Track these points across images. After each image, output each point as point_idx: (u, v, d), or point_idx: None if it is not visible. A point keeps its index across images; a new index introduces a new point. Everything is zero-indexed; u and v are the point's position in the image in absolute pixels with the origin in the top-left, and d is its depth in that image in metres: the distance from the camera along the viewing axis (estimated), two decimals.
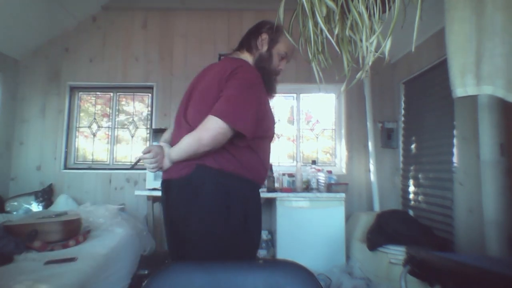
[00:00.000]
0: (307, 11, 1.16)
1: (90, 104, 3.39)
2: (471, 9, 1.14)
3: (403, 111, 3.06)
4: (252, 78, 1.16)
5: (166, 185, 1.21)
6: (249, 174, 1.17)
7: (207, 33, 3.27)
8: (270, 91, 1.28)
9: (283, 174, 2.84)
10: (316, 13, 1.10)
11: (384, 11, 1.13)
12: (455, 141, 2.18)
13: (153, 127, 3.14)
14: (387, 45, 1.10)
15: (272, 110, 1.29)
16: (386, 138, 3.11)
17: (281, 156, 3.32)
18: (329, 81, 1.48)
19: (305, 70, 3.14)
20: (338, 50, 1.23)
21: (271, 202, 2.76)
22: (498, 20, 1.11)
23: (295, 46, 1.30)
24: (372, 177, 3.04)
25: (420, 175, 2.67)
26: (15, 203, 2.84)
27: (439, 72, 2.39)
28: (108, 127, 3.32)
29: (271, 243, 2.74)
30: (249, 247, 1.18)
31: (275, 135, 1.31)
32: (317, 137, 3.35)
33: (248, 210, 1.17)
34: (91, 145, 3.31)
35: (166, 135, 1.35)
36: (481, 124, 1.77)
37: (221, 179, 1.12)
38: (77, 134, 3.28)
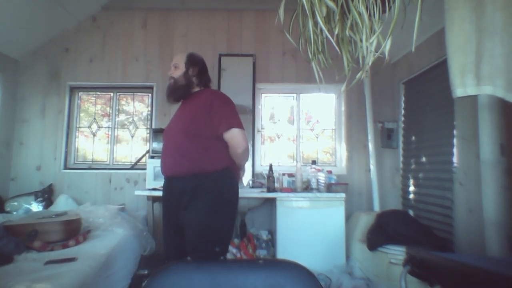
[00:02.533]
0: (307, 11, 1.16)
1: (90, 104, 3.39)
2: (471, 9, 1.14)
3: (403, 111, 3.06)
4: None
5: None
6: None
7: (207, 33, 3.27)
8: (166, 99, 1.74)
9: (283, 174, 2.83)
10: (316, 13, 1.10)
11: (384, 11, 1.13)
12: (455, 141, 2.18)
13: (153, 127, 3.14)
14: (387, 45, 1.10)
15: (177, 116, 1.70)
16: (386, 138, 3.11)
17: (281, 156, 3.32)
18: (329, 81, 1.48)
19: (305, 70, 3.15)
20: (338, 50, 1.23)
21: (271, 202, 2.76)
22: (498, 20, 1.11)
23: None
24: (372, 177, 3.04)
25: (420, 175, 2.67)
26: (15, 203, 2.84)
27: (439, 72, 2.39)
28: (108, 127, 3.32)
29: (271, 243, 2.74)
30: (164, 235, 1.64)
31: (166, 135, 1.69)
32: (317, 137, 3.35)
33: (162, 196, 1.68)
34: (91, 145, 3.31)
35: None
36: (481, 124, 1.76)
37: None
38: (77, 134, 3.28)
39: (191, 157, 1.52)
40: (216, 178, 1.54)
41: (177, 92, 1.68)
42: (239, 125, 1.59)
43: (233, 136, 1.57)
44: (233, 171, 1.63)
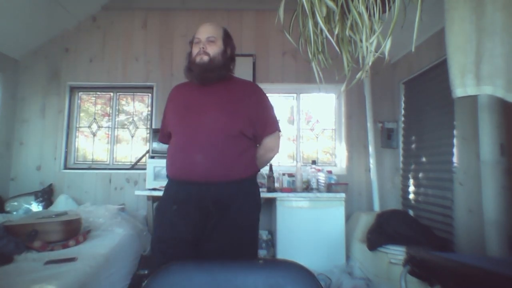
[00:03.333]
0: (307, 11, 1.16)
1: (90, 104, 3.39)
2: (471, 9, 1.14)
3: (403, 111, 3.06)
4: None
5: None
6: (168, 171, 1.36)
7: None
8: (196, 79, 1.35)
9: (283, 174, 2.83)
10: (316, 13, 1.10)
11: (384, 11, 1.13)
12: (455, 141, 2.18)
13: (153, 127, 3.14)
14: (387, 45, 1.10)
15: (206, 107, 1.32)
16: (386, 138, 3.10)
17: (281, 156, 3.32)
18: (329, 81, 1.48)
19: (305, 70, 3.14)
20: (338, 50, 1.23)
21: (271, 202, 2.76)
22: (498, 20, 1.11)
23: (199, 27, 1.39)
24: (372, 177, 3.04)
25: (420, 175, 2.67)
26: (15, 203, 2.84)
27: (439, 72, 2.39)
28: (108, 127, 3.32)
29: (271, 243, 2.74)
30: (157, 245, 1.29)
31: (190, 129, 1.31)
32: (317, 137, 3.35)
33: (167, 205, 1.31)
34: (91, 145, 3.31)
35: None
36: (481, 124, 1.76)
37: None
38: (77, 134, 3.28)
39: (232, 160, 1.27)
40: (253, 185, 1.37)
41: (214, 73, 1.33)
42: (279, 127, 1.45)
43: (274, 139, 1.43)
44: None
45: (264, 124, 1.38)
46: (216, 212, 1.25)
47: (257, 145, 1.43)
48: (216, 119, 1.29)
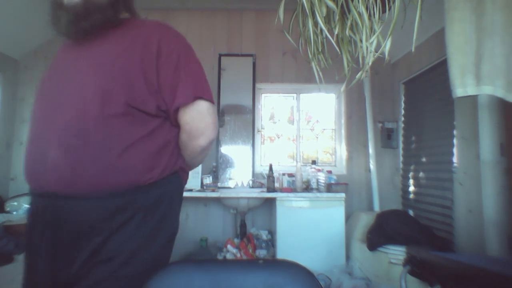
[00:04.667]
0: (307, 11, 1.16)
1: None
2: (471, 9, 1.14)
3: (403, 111, 3.06)
4: None
5: None
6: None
7: (207, 33, 3.27)
8: (65, 33, 0.85)
9: (283, 174, 2.83)
10: (316, 13, 1.10)
11: (384, 11, 1.13)
12: (455, 141, 2.18)
13: None
14: (387, 45, 1.10)
15: (70, 71, 0.85)
16: (386, 138, 3.11)
17: (281, 156, 3.32)
18: (329, 81, 1.48)
19: (305, 70, 3.14)
20: (338, 50, 1.23)
21: (271, 202, 2.76)
22: (498, 20, 1.11)
23: None
24: (372, 177, 3.04)
25: (420, 175, 2.67)
26: (15, 203, 2.83)
27: (439, 72, 2.39)
28: None
29: (271, 243, 2.74)
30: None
31: (44, 110, 0.85)
32: (317, 137, 3.35)
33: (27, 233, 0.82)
34: None
35: None
36: (481, 124, 1.77)
37: None
38: None
39: (116, 155, 0.74)
40: (158, 196, 0.80)
41: (91, 20, 0.82)
42: (210, 95, 0.85)
43: (197, 115, 0.83)
44: (182, 178, 0.90)
45: (170, 89, 0.81)
46: (84, 248, 0.74)
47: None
48: (86, 88, 0.77)
